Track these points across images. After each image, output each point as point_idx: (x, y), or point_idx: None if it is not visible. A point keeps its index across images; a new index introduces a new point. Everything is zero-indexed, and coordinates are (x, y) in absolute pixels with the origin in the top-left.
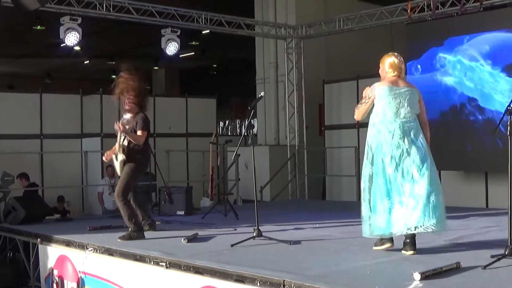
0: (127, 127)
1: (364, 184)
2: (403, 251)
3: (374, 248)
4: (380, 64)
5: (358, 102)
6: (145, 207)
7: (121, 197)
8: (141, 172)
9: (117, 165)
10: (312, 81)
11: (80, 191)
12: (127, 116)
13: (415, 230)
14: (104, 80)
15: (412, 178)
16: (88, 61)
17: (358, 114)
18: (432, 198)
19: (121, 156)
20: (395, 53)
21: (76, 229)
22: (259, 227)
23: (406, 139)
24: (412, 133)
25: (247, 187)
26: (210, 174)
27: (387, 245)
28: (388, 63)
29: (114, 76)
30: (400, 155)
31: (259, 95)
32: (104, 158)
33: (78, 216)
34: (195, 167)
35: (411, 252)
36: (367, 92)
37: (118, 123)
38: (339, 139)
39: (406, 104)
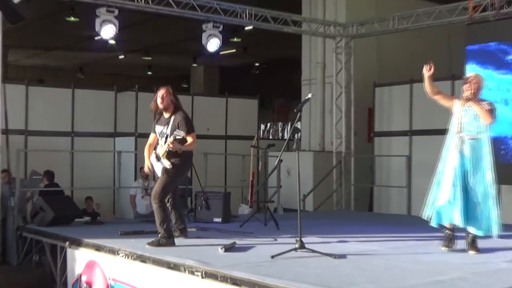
0: (166, 130)
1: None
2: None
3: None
4: (479, 83)
5: (411, 106)
6: (180, 211)
7: (157, 199)
8: (182, 175)
9: (158, 169)
10: (362, 84)
11: (112, 193)
12: (164, 119)
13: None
14: (140, 76)
15: None
16: (123, 56)
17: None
18: None
19: (167, 163)
20: None
21: (107, 233)
22: (302, 239)
23: None
24: None
25: (288, 195)
26: (250, 180)
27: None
28: None
29: (150, 73)
30: None
31: (307, 97)
32: (145, 169)
33: (108, 220)
34: (234, 171)
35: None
36: (487, 106)
37: (169, 141)
38: (389, 147)
39: None
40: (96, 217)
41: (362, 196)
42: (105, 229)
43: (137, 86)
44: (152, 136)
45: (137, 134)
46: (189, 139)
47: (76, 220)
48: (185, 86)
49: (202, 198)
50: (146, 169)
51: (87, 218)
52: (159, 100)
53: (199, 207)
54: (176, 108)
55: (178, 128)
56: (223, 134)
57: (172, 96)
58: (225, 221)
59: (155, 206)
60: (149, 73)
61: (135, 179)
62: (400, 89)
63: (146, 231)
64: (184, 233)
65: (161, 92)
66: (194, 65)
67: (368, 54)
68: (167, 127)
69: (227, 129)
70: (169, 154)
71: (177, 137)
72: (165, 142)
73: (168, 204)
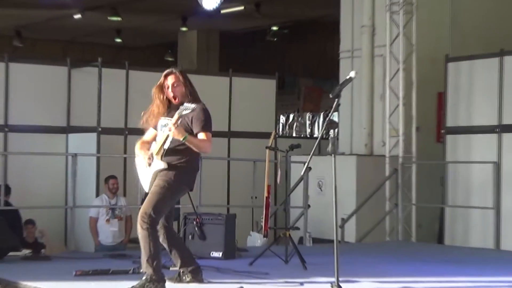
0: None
1: None
2: None
3: None
4: None
5: (501, 90)
6: (184, 248)
7: (147, 223)
8: (184, 189)
9: (145, 179)
10: (428, 57)
11: (63, 215)
12: (174, 111)
13: None
14: (105, 45)
15: None
16: (79, 15)
17: None
18: None
19: (161, 164)
20: None
21: (56, 273)
22: (340, 283)
23: None
24: None
25: (320, 219)
26: (265, 197)
27: None
28: None
29: (119, 40)
30: None
31: (348, 76)
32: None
33: (58, 254)
34: (241, 184)
35: None
36: None
37: (171, 121)
38: (468, 150)
39: None
40: (39, 249)
41: (428, 221)
42: (53, 266)
43: (100, 59)
44: (151, 133)
45: (100, 129)
46: (201, 135)
47: (11, 254)
48: (170, 59)
49: (195, 222)
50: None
51: (26, 251)
52: (169, 93)
53: (190, 236)
54: (194, 98)
55: (192, 123)
56: (225, 129)
57: (188, 83)
58: (228, 256)
59: (142, 233)
60: (118, 40)
61: (98, 195)
62: (485, 64)
63: (113, 270)
64: (197, 276)
65: (170, 80)
66: (183, 29)
67: (437, 14)
68: (178, 119)
69: (231, 122)
70: (170, 154)
71: (183, 112)
72: (165, 140)
73: (161, 239)
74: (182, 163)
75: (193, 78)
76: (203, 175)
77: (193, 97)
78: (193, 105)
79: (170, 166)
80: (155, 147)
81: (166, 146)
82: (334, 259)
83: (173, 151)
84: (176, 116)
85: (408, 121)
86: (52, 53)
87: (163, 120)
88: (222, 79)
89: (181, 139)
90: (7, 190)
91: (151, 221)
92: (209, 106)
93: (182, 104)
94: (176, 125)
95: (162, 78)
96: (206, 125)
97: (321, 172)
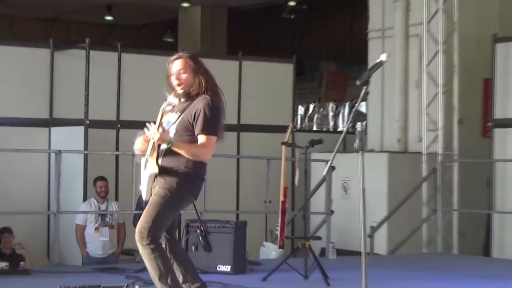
0: (174, 119)
1: None
2: None
3: None
4: None
5: None
6: (188, 262)
7: (147, 239)
8: (187, 199)
9: (143, 184)
10: (472, 37)
11: (45, 223)
12: (181, 104)
13: None
14: (93, 24)
15: None
16: None
17: None
18: None
19: (153, 168)
20: None
21: None
22: None
23: None
24: None
25: (345, 227)
26: (281, 201)
27: None
28: None
29: (110, 18)
30: None
31: (378, 59)
32: (135, 147)
33: (39, 267)
34: (253, 187)
35: None
36: None
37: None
38: None
39: None
40: (18, 262)
41: (473, 230)
42: (34, 282)
43: (88, 40)
44: None
45: (88, 122)
46: (201, 139)
47: None
48: (169, 40)
49: (199, 231)
50: (136, 146)
51: (3, 265)
52: (174, 81)
53: (193, 247)
54: (207, 90)
55: (194, 119)
56: (234, 122)
57: (200, 71)
58: (238, 270)
59: (144, 252)
60: (109, 18)
61: (85, 198)
62: None
63: (103, 286)
64: None
65: (177, 65)
66: (185, 4)
67: None
68: (179, 117)
69: (240, 113)
70: (169, 155)
71: (167, 108)
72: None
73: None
74: (185, 168)
75: None
76: (208, 176)
77: (206, 88)
78: (175, 100)
79: (171, 171)
80: (149, 147)
81: (162, 147)
82: (361, 274)
83: (173, 152)
84: (159, 116)
85: (449, 113)
86: (32, 33)
87: (170, 116)
88: (230, 63)
89: (166, 145)
90: None
91: (152, 235)
92: None
93: (187, 94)
94: (161, 131)
95: (169, 65)
96: (209, 126)
97: (346, 172)
